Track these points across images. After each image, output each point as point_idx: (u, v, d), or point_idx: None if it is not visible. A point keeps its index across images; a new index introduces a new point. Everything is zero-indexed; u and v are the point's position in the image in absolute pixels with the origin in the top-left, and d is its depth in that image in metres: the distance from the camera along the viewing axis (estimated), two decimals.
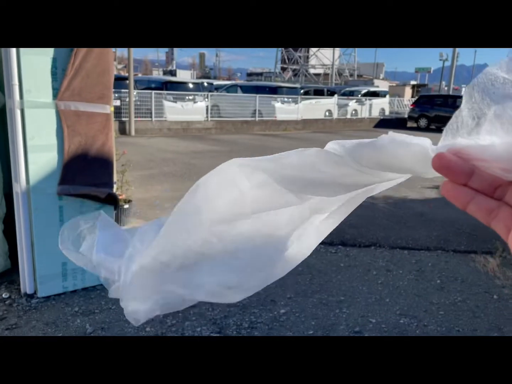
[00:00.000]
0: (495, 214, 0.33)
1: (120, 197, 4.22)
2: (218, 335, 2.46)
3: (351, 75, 46.25)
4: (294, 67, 45.91)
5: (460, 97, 19.01)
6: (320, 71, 46.32)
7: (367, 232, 4.35)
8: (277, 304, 2.85)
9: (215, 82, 18.42)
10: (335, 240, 4.01)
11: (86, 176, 2.77)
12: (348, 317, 2.72)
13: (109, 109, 2.88)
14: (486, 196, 0.34)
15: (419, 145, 0.34)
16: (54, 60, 2.60)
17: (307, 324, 2.62)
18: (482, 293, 3.11)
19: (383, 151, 0.36)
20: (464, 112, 0.33)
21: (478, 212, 0.34)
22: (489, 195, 0.34)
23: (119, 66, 30.88)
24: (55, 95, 2.63)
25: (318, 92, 18.26)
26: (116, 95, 11.27)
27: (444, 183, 0.34)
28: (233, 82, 22.37)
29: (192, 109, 12.91)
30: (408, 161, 0.35)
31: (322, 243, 3.99)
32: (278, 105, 14.85)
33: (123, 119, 11.46)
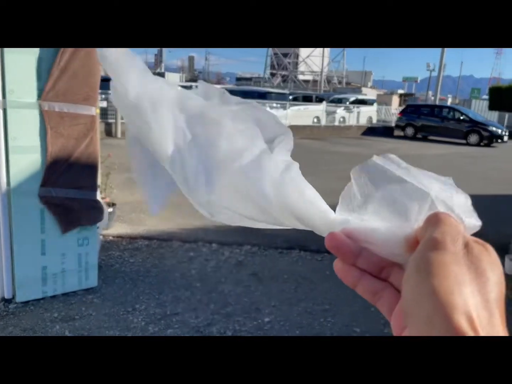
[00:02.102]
0: (380, 296, 0.35)
1: (104, 201, 4.16)
2: None
3: (340, 82, 46.68)
4: (283, 73, 46.17)
5: (446, 107, 19.28)
6: (309, 77, 46.66)
7: None
8: (261, 312, 2.82)
9: None
10: (321, 248, 4.01)
11: (69, 179, 2.71)
12: (333, 326, 2.70)
13: (95, 111, 2.83)
14: (373, 277, 0.36)
15: (324, 211, 0.37)
16: (40, 60, 2.54)
17: (291, 333, 2.60)
18: None
19: (296, 205, 0.37)
20: (354, 187, 0.36)
21: (365, 293, 0.36)
22: (375, 275, 0.36)
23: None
24: (39, 96, 2.57)
25: (307, 99, 18.36)
26: (103, 96, 11.16)
27: (335, 262, 0.36)
28: (222, 86, 22.37)
29: None
30: (312, 219, 0.37)
31: (308, 250, 3.99)
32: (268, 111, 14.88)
33: (110, 120, 11.34)
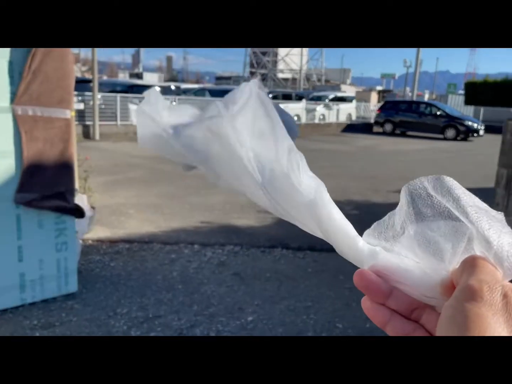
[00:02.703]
0: None
1: (84, 204, 4.09)
2: None
3: (319, 80, 46.96)
4: (262, 71, 46.20)
5: (423, 103, 19.58)
6: (288, 75, 46.80)
7: None
8: (244, 312, 2.82)
9: (183, 86, 18.26)
10: (303, 245, 4.03)
11: (45, 183, 2.67)
12: (316, 323, 2.72)
13: (70, 114, 2.78)
14: (403, 318, 0.34)
15: (352, 238, 0.36)
16: (11, 63, 2.49)
17: (275, 331, 2.61)
18: None
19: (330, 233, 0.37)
20: (396, 216, 0.35)
21: (394, 334, 0.34)
22: (406, 316, 0.34)
23: (83, 68, 30.18)
24: (12, 100, 2.52)
25: (286, 97, 18.42)
26: (80, 98, 10.98)
27: (363, 300, 0.35)
28: (201, 85, 22.25)
29: None
30: (341, 245, 0.37)
31: (290, 248, 4.01)
32: None
33: (87, 123, 11.17)
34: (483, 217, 0.32)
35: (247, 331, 2.60)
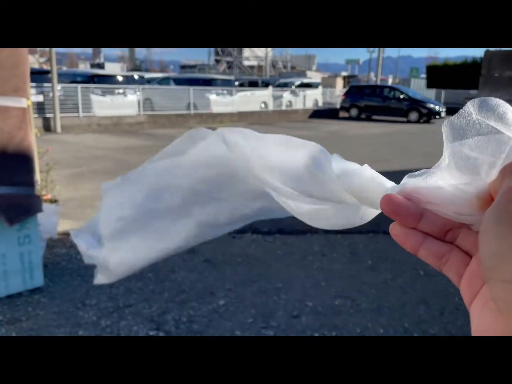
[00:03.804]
0: (446, 259, 0.32)
1: (45, 198, 3.98)
2: (156, 332, 2.40)
3: (285, 67, 46.95)
4: (228, 59, 45.77)
5: (387, 87, 19.87)
6: (254, 63, 46.56)
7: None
8: (216, 296, 2.84)
9: (147, 75, 17.88)
10: (272, 229, 4.07)
11: (3, 175, 2.57)
12: (286, 303, 2.77)
13: (26, 103, 2.69)
14: (437, 240, 0.32)
15: (382, 183, 0.35)
16: None
17: (247, 313, 2.64)
18: (410, 270, 3.30)
19: (361, 181, 0.36)
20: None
21: (428, 257, 0.32)
22: (440, 238, 0.32)
23: (41, 60, 29.02)
24: None
25: (253, 84, 18.35)
26: (38, 89, 10.58)
27: (392, 226, 0.33)
28: (165, 74, 21.84)
29: (123, 103, 12.44)
30: (371, 193, 0.35)
31: (260, 232, 4.04)
32: (213, 97, 14.73)
33: (47, 115, 10.79)
34: None
35: (219, 314, 2.62)
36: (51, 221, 3.46)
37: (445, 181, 0.31)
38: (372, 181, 0.35)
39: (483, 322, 0.27)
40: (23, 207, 2.66)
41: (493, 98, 0.31)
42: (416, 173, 0.33)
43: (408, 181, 0.33)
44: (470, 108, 0.31)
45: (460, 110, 0.31)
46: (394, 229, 0.33)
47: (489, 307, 0.27)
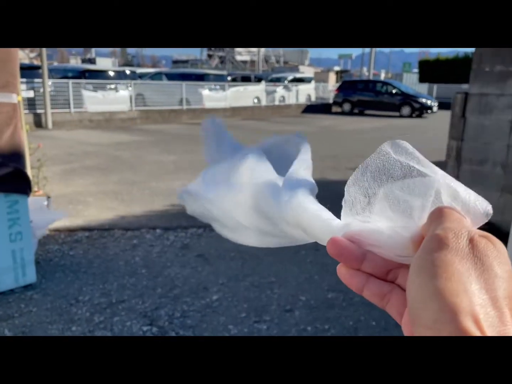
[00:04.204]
0: (388, 298, 0.34)
1: (37, 193, 3.96)
2: (149, 327, 2.41)
3: (277, 61, 46.84)
4: (220, 54, 45.55)
5: (380, 82, 19.90)
6: (247, 58, 46.39)
7: None
8: (209, 291, 2.84)
9: (139, 70, 17.76)
10: None
11: None
12: (280, 297, 2.78)
13: (16, 98, 2.66)
14: (379, 280, 0.34)
15: (327, 220, 0.36)
16: None
17: (240, 307, 2.65)
18: None
19: (303, 216, 0.38)
20: (354, 188, 0.34)
21: (372, 297, 0.34)
22: (382, 278, 0.34)
23: (32, 55, 28.69)
24: None
25: (246, 79, 18.28)
26: (29, 85, 10.48)
27: (339, 267, 0.35)
28: (157, 69, 21.70)
29: (115, 99, 12.35)
30: (316, 229, 0.37)
31: None
32: (205, 92, 14.67)
33: (38, 111, 10.69)
34: (445, 173, 0.33)
35: (212, 309, 2.62)
36: (45, 215, 3.44)
37: (383, 223, 0.33)
38: (317, 218, 0.37)
39: None
40: (13, 183, 2.63)
41: (404, 141, 0.34)
42: (353, 209, 0.35)
43: (351, 223, 0.34)
44: (387, 148, 0.33)
45: (378, 149, 0.34)
46: (340, 270, 0.35)
47: None
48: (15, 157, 2.63)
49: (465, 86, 18.69)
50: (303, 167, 0.45)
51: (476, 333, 0.24)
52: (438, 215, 0.30)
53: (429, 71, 25.57)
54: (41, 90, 10.44)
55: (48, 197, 4.02)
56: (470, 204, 0.31)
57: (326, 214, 0.37)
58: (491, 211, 0.31)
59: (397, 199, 0.32)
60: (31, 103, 10.47)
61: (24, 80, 9.37)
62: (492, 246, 0.28)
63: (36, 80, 10.61)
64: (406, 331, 0.31)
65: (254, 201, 0.42)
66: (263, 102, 16.90)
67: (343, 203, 0.35)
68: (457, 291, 0.26)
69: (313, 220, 0.36)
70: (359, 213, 0.34)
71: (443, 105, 18.40)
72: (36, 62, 18.25)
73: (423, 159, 0.33)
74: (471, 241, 0.28)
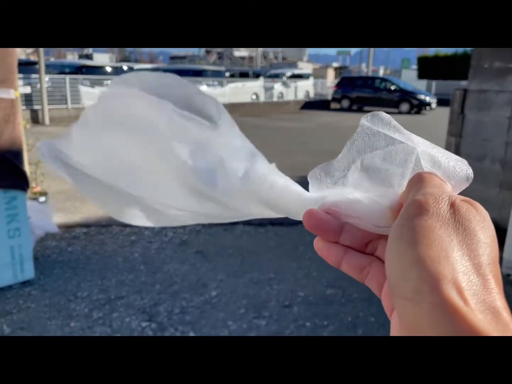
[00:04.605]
0: (367, 271, 0.32)
1: (34, 190, 3.95)
2: (148, 323, 2.41)
3: (276, 57, 46.75)
4: (218, 50, 45.42)
5: (378, 78, 19.85)
6: (245, 54, 46.28)
7: None
8: (208, 287, 2.84)
9: (136, 66, 17.70)
10: (264, 221, 4.08)
11: None
12: (278, 293, 2.79)
13: (14, 94, 2.65)
14: (358, 252, 0.33)
15: (298, 193, 0.34)
16: None
17: (239, 303, 2.65)
18: None
19: (271, 191, 0.35)
20: (334, 163, 0.33)
21: (350, 270, 0.33)
22: (361, 250, 0.33)
23: (28, 51, 28.58)
24: None
25: (244, 75, 18.25)
26: (25, 81, 10.43)
27: (316, 241, 0.34)
28: (155, 65, 21.63)
29: None
30: (286, 203, 0.35)
31: (252, 224, 4.04)
32: (203, 88, 14.64)
33: (35, 107, 10.65)
34: (425, 140, 0.32)
35: (211, 305, 2.63)
36: (47, 217, 3.44)
37: (360, 193, 0.32)
38: (287, 191, 0.35)
39: (395, 333, 0.28)
40: (11, 179, 2.62)
41: (382, 112, 0.32)
42: (327, 179, 0.33)
43: (327, 195, 0.33)
44: (366, 122, 0.32)
45: (360, 123, 0.32)
46: (317, 244, 0.34)
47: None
48: (13, 153, 2.62)
49: (464, 83, 18.71)
50: (241, 138, 0.40)
51: (459, 302, 0.23)
52: (418, 180, 0.29)
53: (428, 68, 25.56)
54: (38, 86, 10.39)
55: (45, 194, 4.01)
56: (450, 169, 0.30)
57: (296, 187, 0.35)
58: (471, 175, 0.31)
59: (376, 168, 0.31)
60: (28, 99, 10.43)
61: (21, 75, 9.33)
62: (475, 210, 0.27)
63: (33, 75, 10.56)
64: (386, 304, 0.30)
65: (184, 174, 0.36)
66: (262, 98, 16.87)
67: (309, 178, 0.33)
68: (439, 258, 0.24)
69: (284, 193, 0.35)
70: (332, 186, 0.33)
71: (442, 102, 18.40)
72: (33, 58, 18.17)
73: (401, 128, 0.32)
74: (452, 205, 0.27)
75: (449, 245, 0.25)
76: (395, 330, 0.28)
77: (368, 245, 0.33)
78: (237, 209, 0.37)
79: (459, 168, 0.30)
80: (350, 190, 0.32)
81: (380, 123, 0.32)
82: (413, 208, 0.27)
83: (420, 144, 0.31)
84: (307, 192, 0.35)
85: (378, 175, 0.31)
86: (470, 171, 0.31)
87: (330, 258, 0.33)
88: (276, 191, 0.35)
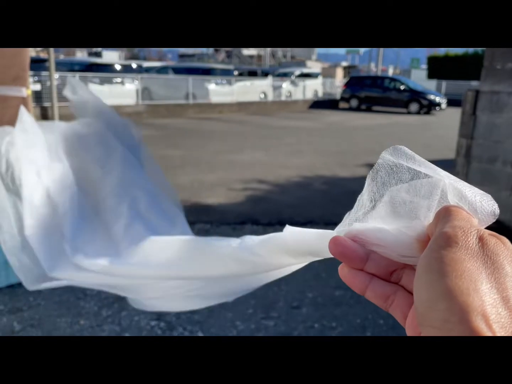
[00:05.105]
0: (392, 300, 0.33)
1: None
2: (157, 322, 2.41)
3: (284, 56, 46.67)
4: (227, 48, 45.43)
5: (388, 78, 19.75)
6: (254, 52, 46.25)
7: (303, 211, 4.46)
8: None
9: (145, 64, 17.76)
10: (272, 221, 4.07)
11: None
12: (287, 294, 2.78)
13: (26, 92, 2.66)
14: (383, 281, 0.33)
15: (322, 232, 0.36)
16: None
17: (247, 304, 2.65)
18: None
19: (288, 240, 0.37)
20: (365, 195, 0.34)
21: (375, 298, 0.34)
22: (385, 279, 0.34)
23: (38, 48, 28.79)
24: None
25: (252, 74, 18.24)
26: (36, 78, 10.51)
27: (341, 267, 0.34)
28: (164, 63, 21.69)
29: (121, 92, 12.37)
30: (312, 245, 0.36)
31: (260, 224, 4.04)
32: (212, 87, 14.64)
33: (45, 104, 10.73)
34: (450, 174, 0.33)
35: (220, 305, 2.62)
36: None
37: (387, 224, 0.33)
38: (310, 234, 0.37)
39: None
40: None
41: (402, 146, 0.34)
42: (355, 218, 0.35)
43: (353, 224, 0.34)
44: (389, 156, 0.33)
45: (381, 156, 0.34)
46: (342, 271, 0.34)
47: None
48: None
49: (474, 83, 18.60)
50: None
51: (487, 334, 0.23)
52: (446, 213, 0.30)
53: (438, 68, 25.37)
54: (48, 83, 10.46)
55: None
56: (477, 204, 0.31)
57: (322, 231, 0.36)
58: (497, 210, 0.31)
59: (403, 201, 0.32)
60: (38, 96, 10.51)
61: (31, 73, 9.40)
62: (502, 245, 0.28)
63: (43, 73, 10.63)
64: (410, 333, 0.30)
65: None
66: (270, 97, 16.85)
67: (346, 215, 0.35)
68: (468, 290, 0.25)
69: (306, 237, 0.36)
70: (360, 219, 0.34)
71: (452, 102, 18.27)
72: (42, 55, 18.30)
73: (424, 161, 0.33)
74: (480, 239, 0.27)
75: (478, 278, 0.25)
76: None
77: (393, 274, 0.34)
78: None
79: (485, 202, 0.31)
80: (378, 221, 0.33)
81: (403, 157, 0.33)
82: (442, 240, 0.28)
83: (445, 177, 0.32)
84: (334, 231, 0.36)
85: (404, 207, 0.32)
86: (496, 207, 0.31)
87: (355, 285, 0.34)
88: (298, 239, 0.37)
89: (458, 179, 0.32)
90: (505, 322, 0.24)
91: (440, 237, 0.28)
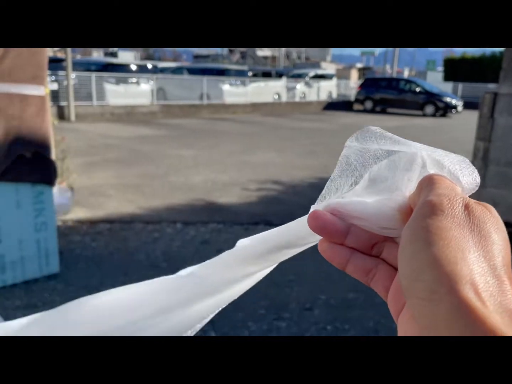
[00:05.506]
0: (373, 274, 0.32)
1: (60, 185, 4.02)
2: None
3: (299, 57, 46.59)
4: (241, 49, 45.55)
5: (403, 79, 19.54)
6: (268, 53, 46.27)
7: None
8: None
9: (160, 64, 17.89)
10: (285, 221, 4.05)
11: (22, 163, 2.60)
12: (299, 295, 2.77)
13: (44, 91, 2.70)
14: (364, 255, 0.33)
15: (298, 220, 0.35)
16: None
17: (259, 304, 2.64)
18: None
19: (283, 234, 0.37)
20: (337, 180, 0.33)
21: (356, 273, 0.33)
22: (366, 252, 0.33)
23: (56, 48, 29.22)
24: None
25: (266, 75, 18.25)
26: (53, 77, 10.66)
27: (320, 242, 0.33)
28: (179, 64, 21.82)
29: (136, 92, 12.48)
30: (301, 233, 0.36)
31: (273, 224, 4.04)
32: (226, 88, 14.69)
33: (62, 103, 10.87)
34: (426, 146, 0.32)
35: (233, 305, 2.61)
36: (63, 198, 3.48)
37: (367, 198, 0.32)
38: (285, 227, 0.36)
39: (409, 335, 0.27)
40: (41, 173, 2.69)
41: (372, 126, 0.33)
42: (335, 195, 0.34)
43: (332, 199, 0.33)
44: (355, 143, 0.33)
45: (346, 144, 0.34)
46: (322, 245, 0.33)
47: (413, 320, 0.26)
48: (43, 148, 2.68)
49: (491, 86, 18.32)
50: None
51: (476, 303, 0.22)
52: (429, 182, 0.29)
53: (454, 70, 25.07)
54: (65, 82, 10.60)
55: (72, 188, 4.09)
56: (458, 173, 0.30)
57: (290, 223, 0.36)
58: (478, 177, 0.31)
59: (384, 177, 0.31)
60: (55, 96, 10.66)
61: (48, 72, 9.55)
62: (489, 213, 0.27)
63: (60, 72, 10.78)
64: (392, 307, 0.30)
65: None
66: (284, 98, 16.83)
67: (319, 197, 0.34)
68: (455, 259, 0.24)
69: (282, 230, 0.36)
70: (339, 197, 0.33)
71: (468, 105, 18.02)
72: (59, 55, 18.55)
73: (398, 138, 0.32)
74: (466, 207, 0.27)
75: (466, 246, 0.25)
76: (402, 333, 0.28)
77: (373, 247, 0.33)
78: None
79: (466, 170, 0.31)
80: (358, 196, 0.33)
81: (373, 137, 0.33)
82: (427, 208, 0.27)
83: (422, 149, 0.31)
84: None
85: (385, 182, 0.32)
86: (476, 173, 0.31)
87: (335, 259, 0.33)
88: (273, 234, 0.37)
89: (434, 149, 0.32)
90: (494, 290, 0.24)
91: (425, 205, 0.27)
